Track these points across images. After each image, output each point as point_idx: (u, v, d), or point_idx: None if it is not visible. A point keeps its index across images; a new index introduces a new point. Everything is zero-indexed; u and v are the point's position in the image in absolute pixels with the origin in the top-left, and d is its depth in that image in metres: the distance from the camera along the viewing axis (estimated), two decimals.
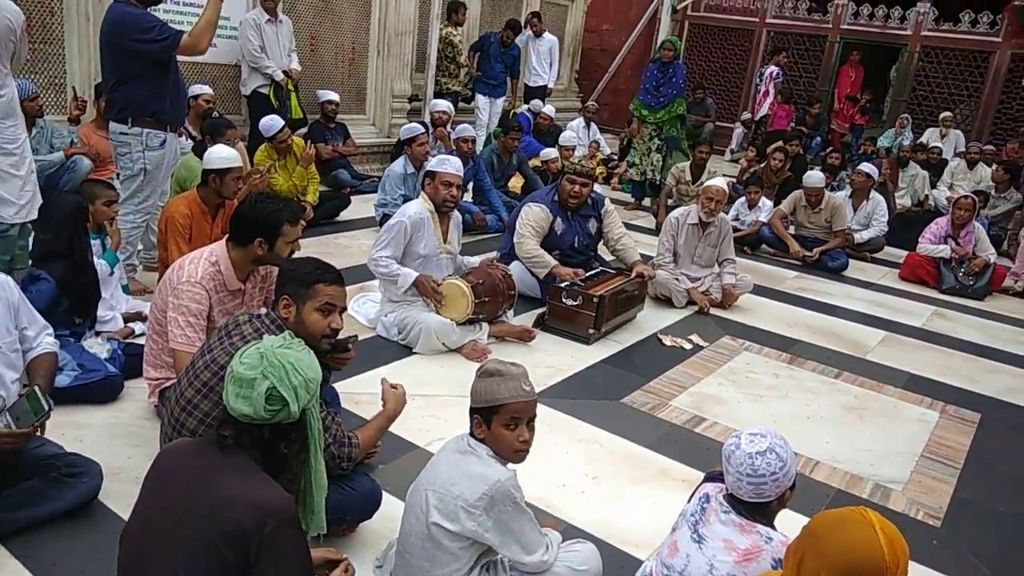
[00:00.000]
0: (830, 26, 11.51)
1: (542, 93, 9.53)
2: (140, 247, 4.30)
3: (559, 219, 4.58)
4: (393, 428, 2.82)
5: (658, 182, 7.40)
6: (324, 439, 2.14)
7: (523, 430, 1.92)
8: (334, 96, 6.96)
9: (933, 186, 8.40)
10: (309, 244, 4.89)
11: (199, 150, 4.57)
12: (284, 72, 6.36)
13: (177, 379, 2.33)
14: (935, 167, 8.63)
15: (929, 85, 11.01)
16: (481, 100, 8.80)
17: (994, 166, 8.06)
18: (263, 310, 2.24)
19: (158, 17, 3.73)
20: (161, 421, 2.23)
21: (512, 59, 8.96)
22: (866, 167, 6.76)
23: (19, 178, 3.37)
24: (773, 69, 10.65)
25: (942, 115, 9.93)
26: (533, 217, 4.51)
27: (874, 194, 6.71)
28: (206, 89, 5.58)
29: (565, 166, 4.66)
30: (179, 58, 3.93)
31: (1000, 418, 3.78)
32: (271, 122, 5.42)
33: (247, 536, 1.45)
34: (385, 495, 2.35)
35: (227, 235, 2.77)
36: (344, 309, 2.24)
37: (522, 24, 9.28)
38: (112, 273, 3.59)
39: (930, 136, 9.74)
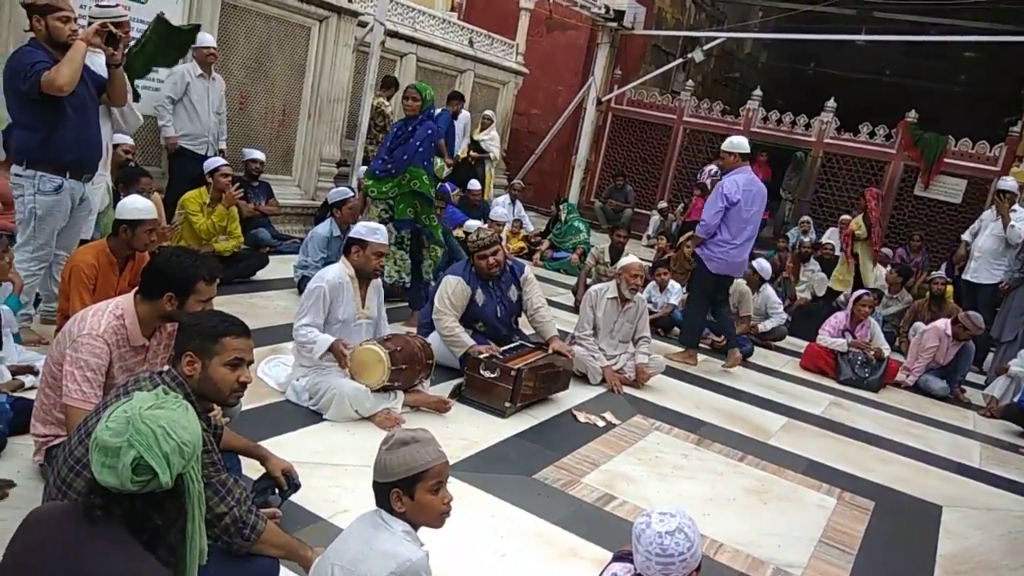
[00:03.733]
0: (741, 128, 12.28)
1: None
2: (41, 296, 4.09)
3: (479, 290, 4.62)
4: (297, 498, 2.73)
5: (406, 285, 5.37)
6: (225, 505, 2.05)
7: (446, 491, 1.90)
8: (259, 155, 6.91)
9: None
10: (223, 303, 4.72)
11: (114, 200, 4.45)
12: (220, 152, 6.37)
13: (67, 437, 2.20)
14: (828, 263, 9.18)
15: (830, 188, 11.82)
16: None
17: (888, 267, 8.64)
18: (165, 367, 2.15)
19: (44, 54, 3.56)
20: (46, 482, 2.08)
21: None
22: (755, 263, 7.10)
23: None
24: (712, 167, 11.17)
25: (841, 217, 10.63)
26: (451, 290, 4.52)
27: (764, 287, 7.06)
28: (126, 139, 5.45)
29: (470, 243, 4.66)
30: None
31: (891, 506, 3.94)
32: (213, 161, 5.61)
33: None
34: (283, 570, 2.25)
35: (135, 288, 2.68)
36: (251, 362, 2.18)
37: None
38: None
39: (830, 236, 10.39)
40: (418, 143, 5.07)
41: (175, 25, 5.96)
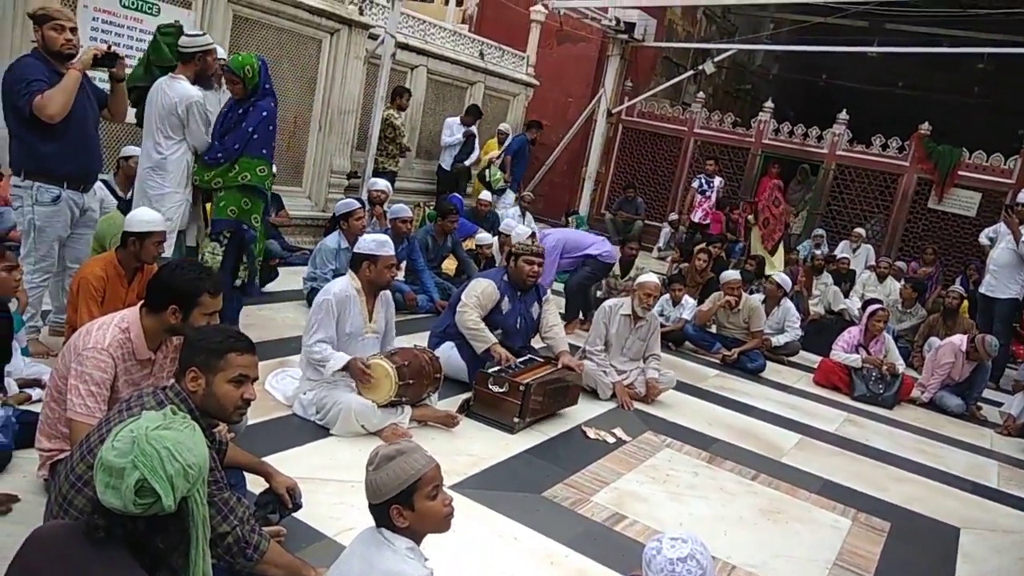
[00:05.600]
0: (752, 140, 12.24)
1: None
2: (51, 308, 4.09)
3: (507, 299, 4.62)
4: (301, 515, 2.70)
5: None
6: (228, 524, 2.02)
7: (444, 494, 1.86)
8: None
9: (846, 295, 8.84)
10: None
11: (126, 210, 4.44)
12: None
13: (70, 452, 2.17)
14: (844, 277, 9.12)
15: (843, 201, 11.73)
16: (511, 196, 9.98)
17: (903, 282, 8.56)
18: (170, 382, 2.12)
19: (42, 68, 3.58)
20: (48, 497, 2.05)
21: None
22: (778, 277, 7.07)
23: None
24: (719, 180, 11.12)
25: (854, 230, 10.56)
26: (481, 290, 4.54)
27: (784, 301, 7.01)
28: (137, 151, 5.45)
29: (517, 248, 4.69)
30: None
31: (908, 527, 3.86)
32: None
33: None
34: None
35: (142, 301, 2.66)
36: (256, 379, 2.15)
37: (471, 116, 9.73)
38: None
39: (843, 249, 10.31)
40: (251, 128, 4.17)
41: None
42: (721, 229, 10.82)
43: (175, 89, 4.07)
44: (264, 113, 4.22)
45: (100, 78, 3.99)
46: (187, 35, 4.22)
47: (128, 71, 4.11)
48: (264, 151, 4.26)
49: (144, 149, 4.21)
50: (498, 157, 10.06)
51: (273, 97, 4.29)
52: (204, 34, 4.38)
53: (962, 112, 15.59)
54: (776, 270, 8.85)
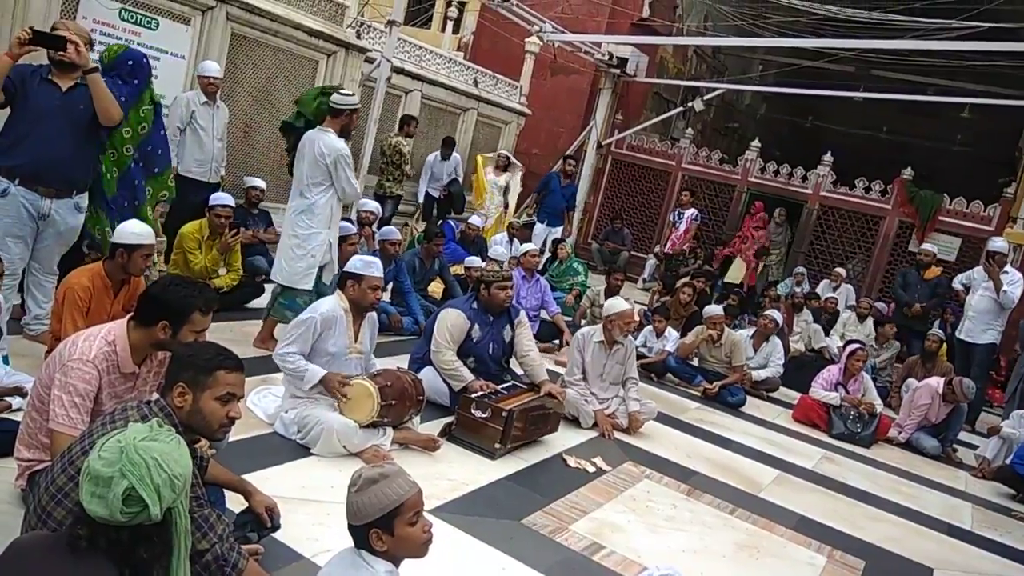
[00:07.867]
0: (739, 177, 12.43)
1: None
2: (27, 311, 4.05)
3: (477, 325, 4.62)
4: (280, 535, 2.68)
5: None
6: (208, 541, 2.02)
7: (425, 520, 1.87)
8: (260, 183, 6.92)
9: (826, 334, 8.93)
10: (216, 329, 4.68)
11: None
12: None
13: (51, 463, 2.16)
14: (831, 317, 9.21)
15: (825, 241, 11.91)
16: (539, 228, 9.91)
17: (885, 325, 8.66)
18: (154, 396, 2.12)
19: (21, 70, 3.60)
20: (26, 509, 2.04)
21: (571, 193, 10.23)
22: (773, 313, 7.15)
23: (301, 258, 4.80)
24: (691, 211, 11.32)
25: (835, 270, 10.70)
26: (451, 323, 4.53)
27: (773, 337, 7.08)
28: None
29: (487, 276, 4.73)
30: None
31: (882, 567, 3.88)
32: (219, 197, 5.56)
33: None
34: None
35: (129, 314, 2.66)
36: (242, 397, 2.16)
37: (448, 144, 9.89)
38: None
39: (824, 288, 10.44)
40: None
41: None
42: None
43: (324, 142, 4.66)
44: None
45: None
46: (340, 94, 4.81)
47: (95, 59, 3.88)
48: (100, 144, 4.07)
49: (293, 193, 4.87)
50: (528, 203, 10.76)
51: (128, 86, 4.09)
52: (354, 95, 4.98)
53: (944, 158, 15.93)
54: (735, 278, 10.08)
